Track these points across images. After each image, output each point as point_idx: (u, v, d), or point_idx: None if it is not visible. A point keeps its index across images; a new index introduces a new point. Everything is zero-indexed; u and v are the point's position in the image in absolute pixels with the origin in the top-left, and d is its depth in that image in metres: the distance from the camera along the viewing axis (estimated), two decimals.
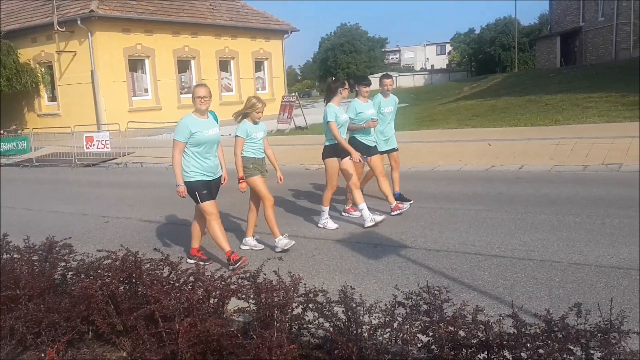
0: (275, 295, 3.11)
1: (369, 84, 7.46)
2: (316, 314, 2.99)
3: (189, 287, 3.56)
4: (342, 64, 67.62)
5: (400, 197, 7.88)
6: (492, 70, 56.94)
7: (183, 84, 24.79)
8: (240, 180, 6.09)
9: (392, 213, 7.33)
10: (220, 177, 5.90)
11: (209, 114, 5.73)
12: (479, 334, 2.61)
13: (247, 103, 6.17)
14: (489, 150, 11.65)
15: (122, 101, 21.66)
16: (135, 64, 22.72)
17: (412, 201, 7.83)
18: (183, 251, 6.44)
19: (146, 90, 23.20)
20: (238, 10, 27.42)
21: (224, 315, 3.39)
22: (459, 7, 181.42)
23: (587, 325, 2.42)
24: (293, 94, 22.49)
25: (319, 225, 7.12)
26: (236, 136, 6.12)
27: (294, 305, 3.11)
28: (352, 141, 7.29)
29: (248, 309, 3.32)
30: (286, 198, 9.06)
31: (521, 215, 6.90)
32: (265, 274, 3.49)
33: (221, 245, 5.75)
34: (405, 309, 2.99)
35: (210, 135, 5.62)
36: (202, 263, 5.64)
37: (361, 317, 2.99)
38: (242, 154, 6.10)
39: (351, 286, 3.08)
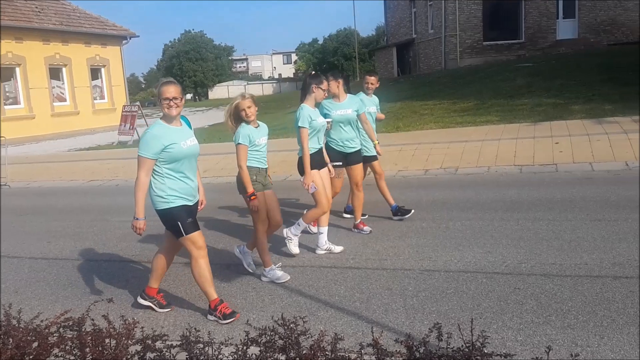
0: (104, 346, 2.62)
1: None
2: None
3: None
4: (189, 72, 65.94)
5: (399, 210, 7.06)
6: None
7: (7, 94, 22.25)
8: (252, 197, 5.04)
9: (354, 230, 6.75)
10: (198, 202, 4.60)
11: (182, 120, 4.45)
12: None
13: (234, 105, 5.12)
14: None
15: None
16: None
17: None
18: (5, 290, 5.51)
19: None
20: (69, 14, 25.30)
21: None
22: (302, 17, 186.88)
23: (449, 349, 2.30)
24: (135, 104, 21.24)
25: (323, 249, 6.00)
26: (238, 144, 5.08)
27: (129, 356, 2.64)
28: (327, 147, 6.34)
29: None
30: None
31: (372, 223, 6.95)
32: (93, 320, 2.96)
33: (207, 291, 4.47)
34: (259, 347, 2.68)
35: (190, 147, 4.31)
36: (161, 310, 4.66)
37: None
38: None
39: (195, 328, 2.69)
